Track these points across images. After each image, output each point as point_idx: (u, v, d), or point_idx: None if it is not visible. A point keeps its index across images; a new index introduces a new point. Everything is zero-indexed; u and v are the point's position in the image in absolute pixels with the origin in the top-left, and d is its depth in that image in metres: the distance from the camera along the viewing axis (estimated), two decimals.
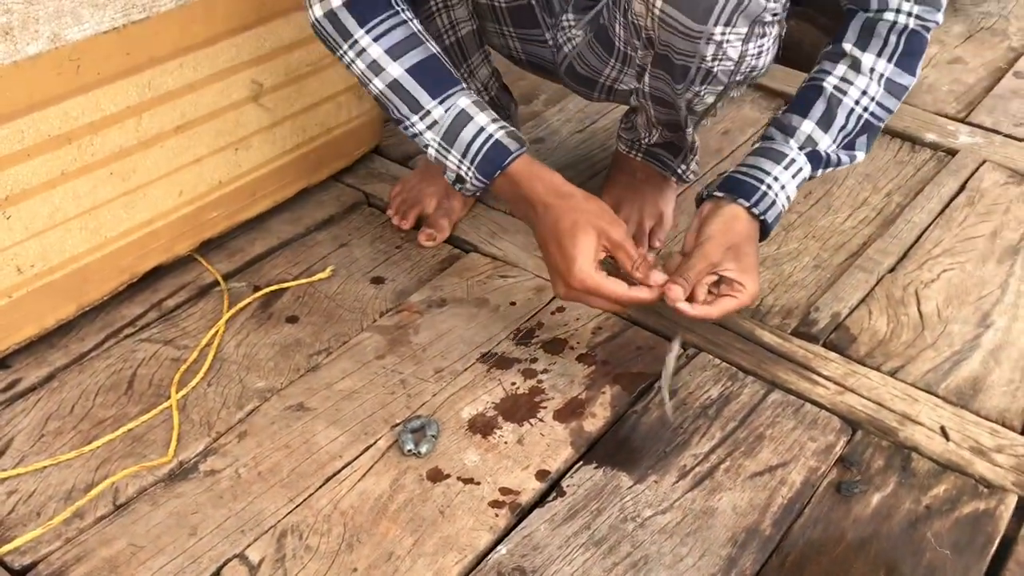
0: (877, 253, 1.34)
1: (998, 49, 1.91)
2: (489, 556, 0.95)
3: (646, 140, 1.32)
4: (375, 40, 1.06)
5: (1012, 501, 1.00)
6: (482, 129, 1.07)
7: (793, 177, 1.09)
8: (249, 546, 0.95)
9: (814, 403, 1.12)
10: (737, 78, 1.12)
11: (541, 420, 1.10)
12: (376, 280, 1.30)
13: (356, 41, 1.07)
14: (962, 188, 1.49)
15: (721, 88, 1.13)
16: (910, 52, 1.08)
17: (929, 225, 1.41)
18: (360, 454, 1.05)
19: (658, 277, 1.03)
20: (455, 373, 1.15)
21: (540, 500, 1.01)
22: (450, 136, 1.07)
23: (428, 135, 1.08)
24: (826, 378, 1.15)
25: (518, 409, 1.11)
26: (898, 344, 1.20)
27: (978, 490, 1.02)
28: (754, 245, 1.08)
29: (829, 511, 1.00)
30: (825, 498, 1.01)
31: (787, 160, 1.09)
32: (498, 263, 1.33)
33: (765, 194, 1.07)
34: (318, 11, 1.08)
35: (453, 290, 1.28)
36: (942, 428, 1.08)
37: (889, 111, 1.11)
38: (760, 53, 1.10)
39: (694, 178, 1.38)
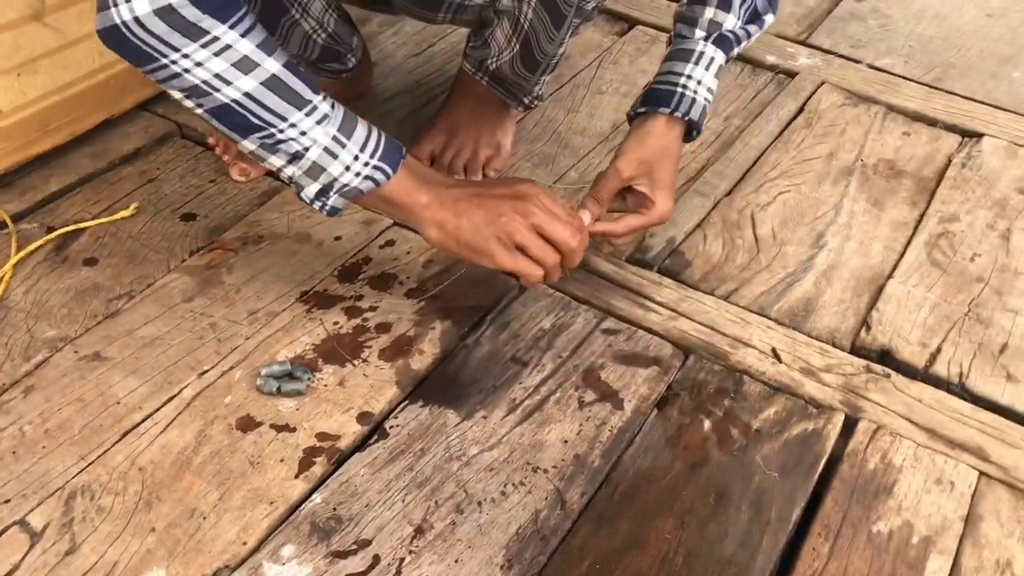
0: (714, 177, 1.32)
1: None
2: (303, 506, 0.88)
3: (498, 59, 1.24)
4: (242, 36, 0.86)
5: (839, 420, 1.00)
6: (369, 124, 0.95)
7: (707, 69, 1.09)
8: (32, 511, 0.86)
9: (647, 330, 1.08)
10: None
11: (365, 360, 1.03)
12: (187, 217, 1.19)
13: (216, 38, 0.84)
14: (800, 110, 1.48)
15: None
16: None
17: (767, 147, 1.39)
18: (162, 405, 0.96)
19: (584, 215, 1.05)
20: (271, 314, 1.07)
21: (361, 444, 0.95)
22: (346, 129, 0.92)
23: (317, 132, 0.90)
24: (660, 304, 1.12)
25: (340, 350, 1.04)
26: (732, 268, 1.18)
27: (807, 411, 1.01)
28: (671, 161, 1.08)
29: (659, 438, 0.97)
30: (656, 426, 0.98)
31: (696, 55, 1.09)
32: None
33: (683, 95, 1.07)
34: (141, 7, 0.82)
35: (272, 225, 1.19)
36: (773, 350, 1.06)
37: None
38: None
39: (539, 104, 1.31)
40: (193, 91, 0.87)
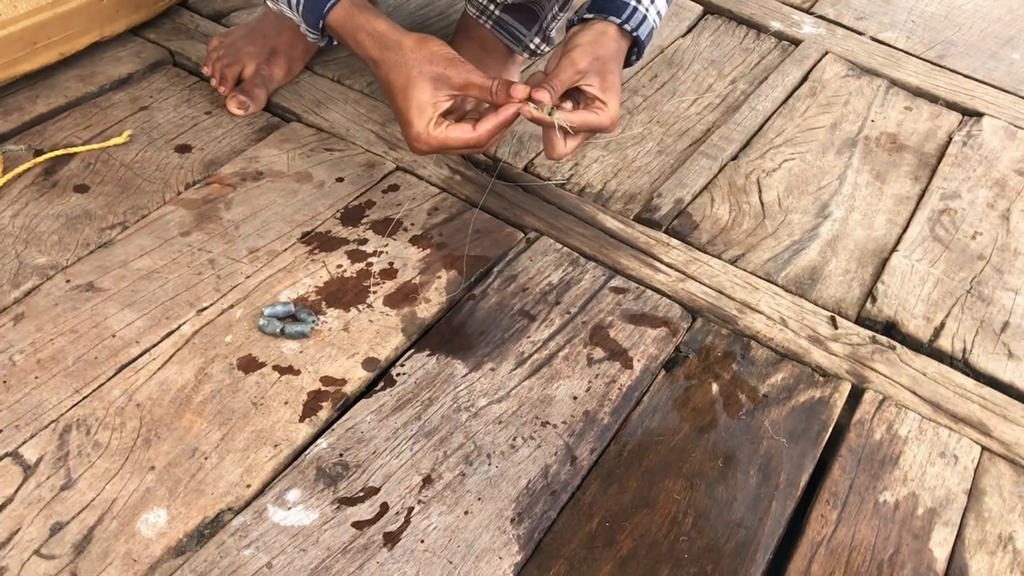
0: (721, 140, 1.30)
1: None
2: (308, 450, 0.86)
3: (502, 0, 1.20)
4: None
5: (846, 389, 1.00)
6: None
7: None
8: (25, 443, 0.82)
9: (655, 290, 1.07)
10: None
11: (370, 306, 1.00)
12: (182, 148, 1.14)
13: None
14: (805, 78, 1.46)
15: None
16: None
17: (772, 114, 1.38)
18: (160, 340, 0.92)
19: (520, 90, 0.95)
20: (272, 253, 1.03)
21: (367, 390, 0.93)
22: None
23: None
24: (668, 265, 1.10)
25: (344, 294, 1.01)
26: (739, 232, 1.17)
27: (814, 378, 1.00)
28: (619, 67, 1.02)
29: (668, 399, 0.96)
30: (664, 386, 0.97)
31: None
32: (324, 135, 1.20)
33: (635, 9, 1.02)
34: None
35: (271, 162, 1.15)
36: (781, 317, 1.06)
37: None
38: None
39: (547, 50, 1.28)
40: None
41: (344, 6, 0.97)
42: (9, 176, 1.05)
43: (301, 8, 0.97)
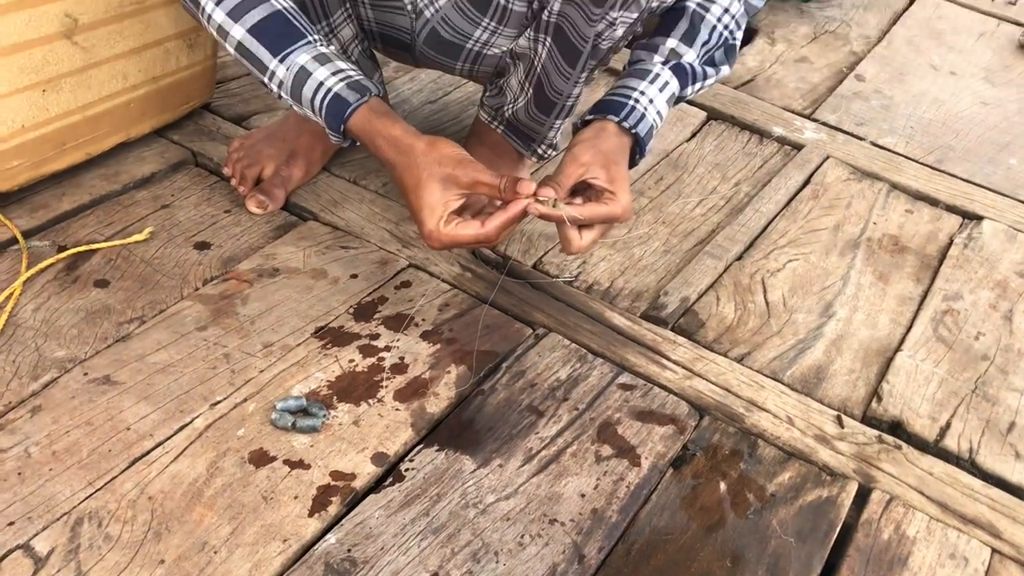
0: (726, 240, 1.33)
1: (840, 52, 1.96)
2: (317, 545, 0.86)
3: (513, 105, 1.25)
4: (217, 4, 1.03)
5: (853, 488, 1.00)
6: (321, 84, 1.03)
7: (661, 91, 1.10)
8: (36, 535, 0.83)
9: (662, 387, 1.08)
10: (653, 3, 1.09)
11: (380, 400, 1.01)
12: (201, 245, 1.18)
13: (204, 8, 1.04)
14: (807, 182, 1.50)
15: (634, 17, 1.07)
16: None
17: (776, 216, 1.41)
18: (173, 434, 0.94)
19: (526, 186, 0.98)
20: (286, 348, 1.05)
21: (376, 485, 0.93)
22: (295, 94, 1.04)
23: (281, 94, 1.05)
24: (675, 362, 1.12)
25: (355, 388, 1.02)
26: (745, 331, 1.19)
27: (821, 477, 1.01)
28: (624, 159, 1.07)
29: (676, 498, 0.97)
30: (672, 484, 0.98)
31: (652, 75, 1.10)
32: (339, 233, 1.24)
33: (633, 108, 1.07)
34: None
35: (288, 259, 1.18)
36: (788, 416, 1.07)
37: (741, 30, 1.16)
38: None
39: (553, 154, 1.32)
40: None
41: (363, 112, 1.01)
42: (33, 271, 1.08)
43: (324, 113, 1.02)
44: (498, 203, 1.02)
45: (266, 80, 1.05)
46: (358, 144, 1.06)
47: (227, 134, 1.37)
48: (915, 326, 1.23)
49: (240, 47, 1.04)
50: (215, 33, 1.05)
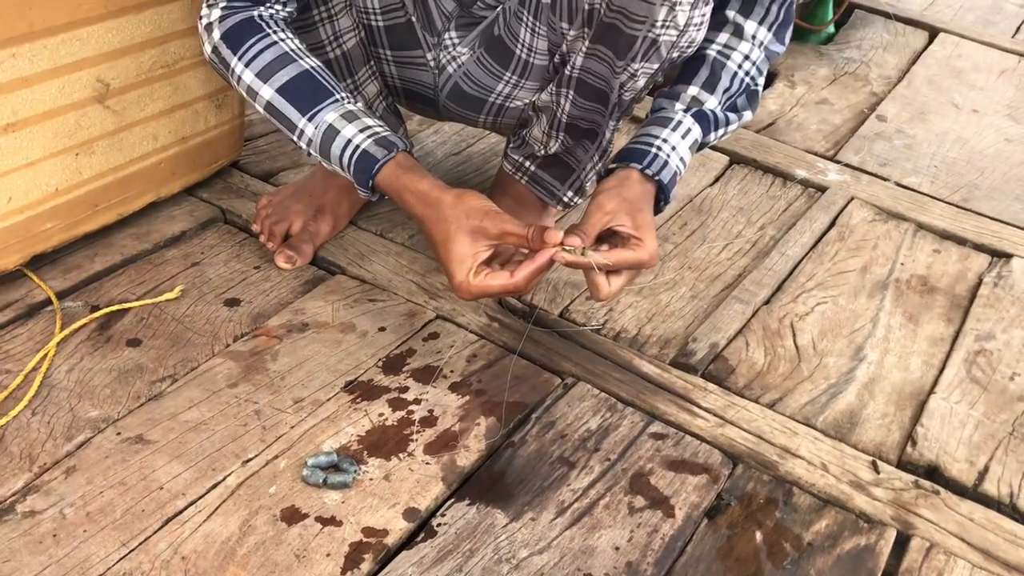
0: (753, 285, 1.33)
1: (861, 93, 1.96)
2: None
3: (540, 153, 1.26)
4: (247, 66, 1.05)
5: (891, 536, 0.98)
6: (349, 141, 1.04)
7: (683, 138, 1.11)
8: None
9: (694, 435, 1.08)
10: (674, 54, 1.09)
11: (411, 454, 1.01)
12: (231, 302, 1.19)
13: (233, 70, 1.06)
14: (832, 223, 1.50)
15: (656, 67, 1.08)
16: (787, 22, 1.14)
17: (802, 259, 1.41)
18: (206, 492, 0.94)
19: (553, 235, 0.99)
20: (316, 403, 1.06)
21: (408, 541, 0.93)
22: (324, 151, 1.06)
23: (310, 151, 1.07)
24: (706, 410, 1.11)
25: (385, 443, 1.03)
26: (775, 376, 1.18)
27: (858, 525, 0.99)
28: (649, 206, 1.08)
29: (711, 549, 0.95)
30: (707, 535, 0.97)
31: (673, 123, 1.11)
32: (367, 286, 1.25)
33: (656, 156, 1.08)
34: (208, 48, 1.08)
35: (316, 314, 1.19)
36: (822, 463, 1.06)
37: (763, 75, 1.16)
38: (700, 24, 1.07)
39: (579, 201, 1.33)
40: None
41: (391, 168, 1.03)
42: (66, 332, 1.10)
43: (352, 170, 1.03)
44: (526, 252, 1.02)
45: (295, 138, 1.07)
46: (386, 198, 1.08)
47: (255, 191, 1.39)
48: (948, 367, 1.22)
49: (269, 107, 1.06)
50: (244, 93, 1.07)
